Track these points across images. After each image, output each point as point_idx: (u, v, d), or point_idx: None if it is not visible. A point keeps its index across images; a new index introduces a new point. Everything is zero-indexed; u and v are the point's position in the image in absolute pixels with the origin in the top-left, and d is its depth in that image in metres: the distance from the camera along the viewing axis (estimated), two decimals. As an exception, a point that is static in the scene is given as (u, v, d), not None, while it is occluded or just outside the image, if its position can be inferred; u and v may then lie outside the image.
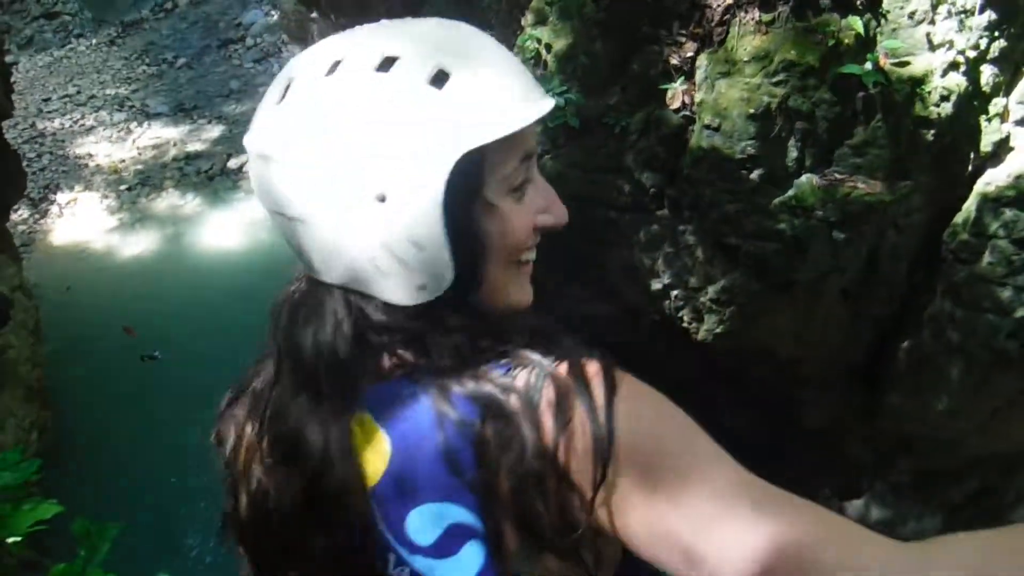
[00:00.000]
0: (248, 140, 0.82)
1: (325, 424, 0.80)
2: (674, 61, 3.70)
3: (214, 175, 8.11)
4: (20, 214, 7.61)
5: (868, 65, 3.27)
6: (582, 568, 0.78)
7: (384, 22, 0.82)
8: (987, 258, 3.46)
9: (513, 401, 0.76)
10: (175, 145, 8.45)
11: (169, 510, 5.29)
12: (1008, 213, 3.40)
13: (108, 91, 9.21)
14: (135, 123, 8.77)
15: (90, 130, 8.72)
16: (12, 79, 5.47)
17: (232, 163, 8.21)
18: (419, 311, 0.81)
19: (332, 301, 0.83)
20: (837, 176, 3.46)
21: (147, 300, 6.71)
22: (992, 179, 3.45)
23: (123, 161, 8.31)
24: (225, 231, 7.47)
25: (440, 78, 0.76)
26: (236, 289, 6.61)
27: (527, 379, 0.77)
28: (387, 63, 0.76)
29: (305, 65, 0.80)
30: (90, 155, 8.39)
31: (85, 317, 6.55)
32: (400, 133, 0.75)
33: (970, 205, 3.49)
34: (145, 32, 10.08)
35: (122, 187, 8.02)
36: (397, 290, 0.80)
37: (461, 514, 0.77)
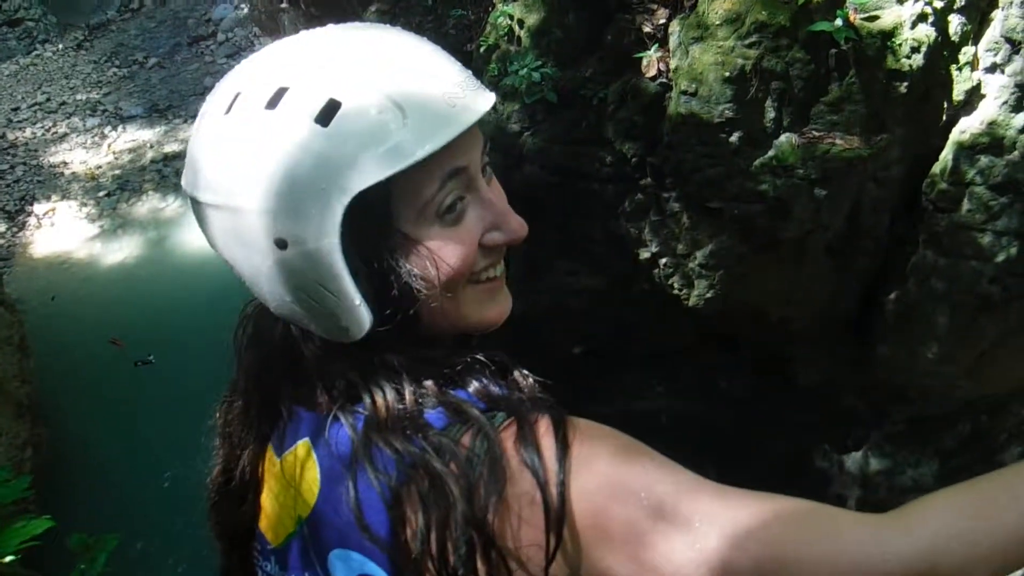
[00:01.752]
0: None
1: (252, 445, 0.88)
2: (647, 29, 3.71)
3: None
4: (-2, 228, 7.54)
5: (838, 21, 3.29)
6: None
7: (296, 36, 0.78)
8: (966, 205, 3.51)
9: (448, 465, 0.71)
10: (152, 147, 8.37)
11: (168, 518, 5.28)
12: (983, 160, 3.44)
13: (79, 96, 9.09)
14: (109, 127, 8.67)
15: (63, 137, 8.61)
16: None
17: (210, 162, 8.16)
18: (354, 349, 0.77)
19: (276, 326, 0.84)
20: (815, 134, 3.49)
21: (134, 307, 6.65)
22: (966, 127, 3.49)
23: (100, 167, 8.22)
24: (208, 231, 7.43)
25: (329, 111, 0.70)
26: (224, 290, 6.50)
27: (468, 442, 0.72)
28: (277, 97, 0.72)
29: (212, 100, 0.78)
30: (65, 163, 8.29)
31: (72, 328, 6.49)
32: (286, 177, 0.70)
33: (946, 154, 3.53)
34: (113, 34, 9.95)
35: (100, 193, 7.94)
36: (321, 330, 0.78)
37: (372, 568, 0.75)
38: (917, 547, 0.68)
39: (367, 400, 0.76)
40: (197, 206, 0.78)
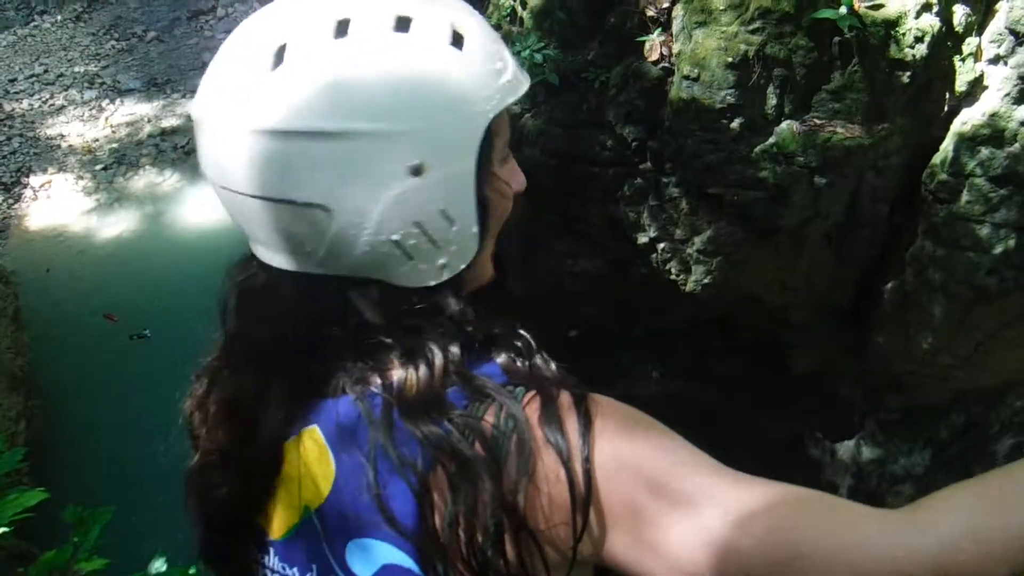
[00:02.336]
0: (224, 114, 0.70)
1: (275, 428, 0.78)
2: (650, 12, 3.68)
3: (191, 150, 8.00)
4: (-7, 199, 7.50)
5: (843, 9, 3.27)
6: None
7: None
8: (965, 196, 3.51)
9: (474, 447, 0.69)
10: (149, 121, 8.32)
11: (162, 490, 5.30)
12: (984, 151, 3.43)
13: (77, 69, 9.02)
14: (107, 100, 8.61)
15: (60, 110, 8.55)
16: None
17: (208, 137, 8.11)
18: (420, 299, 0.75)
19: (299, 295, 0.76)
20: (816, 121, 3.48)
21: (129, 281, 6.64)
22: (968, 118, 3.48)
23: (97, 140, 8.17)
24: (205, 207, 7.39)
25: (457, 39, 0.71)
26: (218, 264, 6.50)
27: (492, 419, 0.70)
28: (403, 23, 0.69)
29: (299, 27, 0.70)
30: (62, 135, 8.24)
31: (67, 302, 6.48)
32: (433, 97, 0.69)
33: (947, 145, 3.52)
34: (112, 6, 9.85)
35: (97, 167, 7.90)
36: (414, 273, 0.74)
37: (398, 556, 0.72)
38: (929, 543, 0.65)
39: (400, 374, 0.73)
40: (276, 143, 0.68)
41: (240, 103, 0.70)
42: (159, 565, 3.02)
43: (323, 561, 0.77)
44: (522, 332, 0.80)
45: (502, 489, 0.68)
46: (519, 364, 0.77)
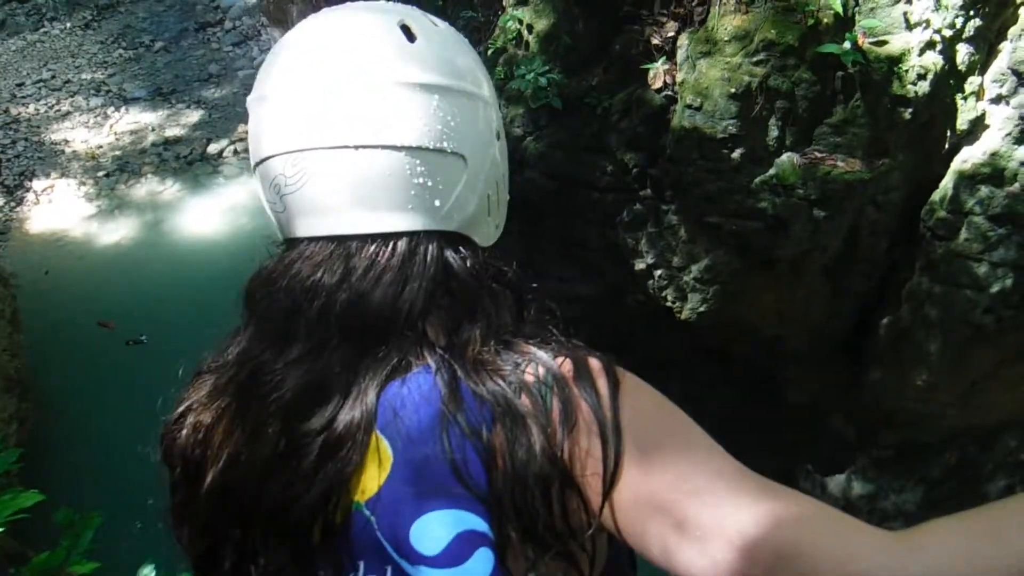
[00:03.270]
0: (369, 74, 0.75)
1: (357, 398, 0.75)
2: (655, 41, 3.70)
3: (193, 160, 8.03)
4: (-5, 202, 7.51)
5: (847, 44, 3.30)
6: (577, 571, 0.75)
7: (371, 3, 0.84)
8: (964, 234, 3.51)
9: (525, 402, 0.72)
10: (153, 130, 8.34)
11: (154, 497, 5.27)
12: (984, 190, 3.44)
13: (84, 75, 9.06)
14: (112, 108, 8.65)
15: (66, 115, 8.58)
16: (-15, 64, 5.37)
17: (211, 148, 8.12)
18: (487, 260, 0.82)
19: (407, 253, 0.76)
20: (817, 155, 3.49)
21: (127, 287, 6.63)
22: (968, 156, 3.49)
23: (100, 147, 8.20)
24: (205, 217, 7.40)
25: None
26: (218, 275, 6.54)
27: (533, 377, 0.73)
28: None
29: (405, 12, 0.81)
30: (66, 141, 8.27)
31: (64, 306, 6.47)
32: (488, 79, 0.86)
33: (947, 182, 3.53)
34: (121, 15, 9.92)
35: (100, 173, 7.91)
36: (489, 231, 0.85)
37: (473, 521, 0.72)
38: (924, 564, 0.65)
39: (462, 336, 0.76)
40: (435, 97, 0.76)
41: (392, 64, 0.76)
42: (148, 572, 3.00)
43: (375, 555, 0.75)
44: (550, 303, 0.85)
45: (551, 443, 0.71)
46: (551, 332, 0.81)
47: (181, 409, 0.90)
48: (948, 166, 3.55)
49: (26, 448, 4.61)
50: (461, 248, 0.80)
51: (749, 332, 4.06)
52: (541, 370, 0.73)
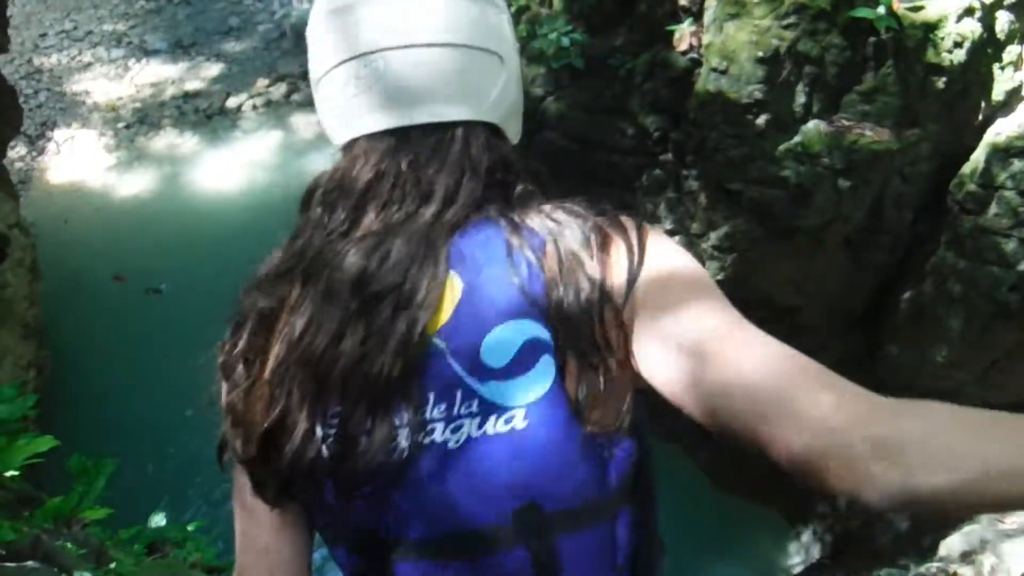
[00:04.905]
0: None
1: (426, 262, 0.84)
2: (682, 2, 3.61)
3: (212, 114, 8.00)
4: (17, 151, 7.52)
5: (881, 9, 3.19)
6: (619, 396, 0.83)
7: None
8: (993, 209, 3.42)
9: (569, 234, 0.83)
10: (173, 83, 8.32)
11: (167, 446, 5.32)
12: (1017, 164, 3.35)
13: (106, 27, 9.02)
14: (133, 60, 8.62)
15: (87, 67, 8.57)
16: (8, 13, 5.34)
17: (231, 102, 8.09)
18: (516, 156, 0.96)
19: (476, 140, 0.90)
20: (844, 123, 3.40)
21: (145, 238, 6.67)
22: (1002, 129, 3.39)
23: (120, 99, 8.19)
24: (223, 170, 7.40)
25: None
26: (234, 228, 6.55)
27: (577, 222, 0.84)
28: None
29: None
30: (87, 92, 8.26)
31: (82, 255, 6.53)
32: None
33: (978, 155, 3.43)
34: (142, -34, 9.85)
35: (119, 125, 7.92)
36: (517, 128, 0.98)
37: (537, 329, 0.81)
38: (891, 426, 0.67)
39: (511, 194, 0.90)
40: (490, 9, 0.93)
41: None
42: (159, 519, 3.04)
43: (444, 382, 0.82)
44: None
45: (592, 265, 0.81)
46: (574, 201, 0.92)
47: (237, 320, 0.94)
48: (980, 138, 3.44)
49: (43, 395, 4.68)
50: (502, 138, 0.93)
51: (765, 302, 4.00)
52: (578, 218, 0.84)
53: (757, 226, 3.66)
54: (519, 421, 0.82)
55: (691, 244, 3.91)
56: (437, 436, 0.82)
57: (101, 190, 7.30)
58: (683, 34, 3.60)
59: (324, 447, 0.83)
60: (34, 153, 7.71)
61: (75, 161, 7.59)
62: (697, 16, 3.60)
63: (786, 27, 3.29)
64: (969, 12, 3.24)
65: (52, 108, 8.14)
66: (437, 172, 0.88)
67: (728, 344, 0.75)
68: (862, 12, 3.19)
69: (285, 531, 0.91)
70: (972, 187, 3.44)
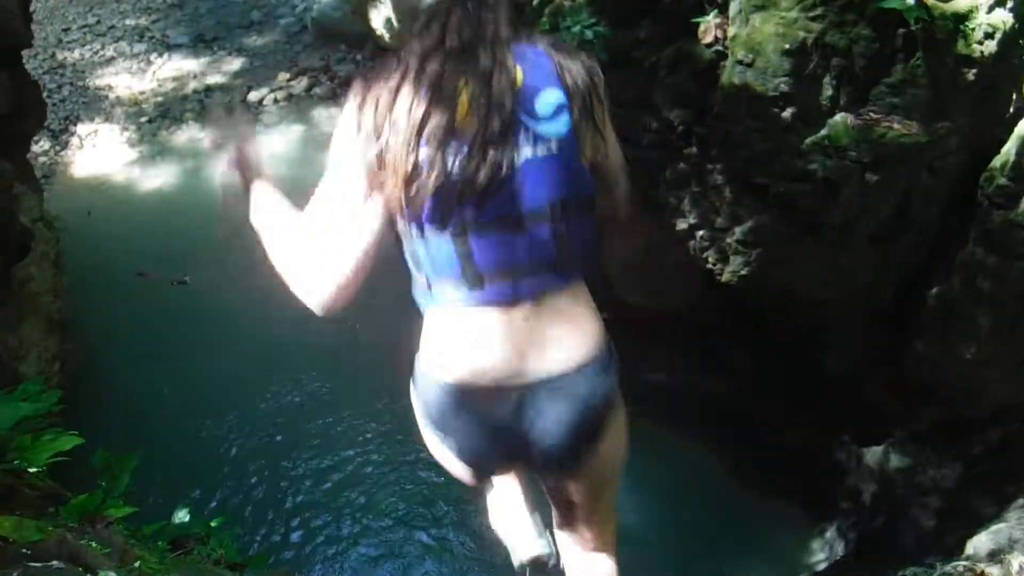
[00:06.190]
0: None
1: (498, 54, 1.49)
2: (708, -7, 3.57)
3: (234, 108, 8.04)
4: (41, 145, 7.59)
5: (910, 0, 3.14)
6: (595, 144, 1.56)
7: None
8: (1024, 204, 3.36)
9: (564, 51, 1.56)
10: (195, 77, 8.36)
11: (191, 440, 5.36)
12: (1048, 158, 3.29)
13: (128, 21, 9.08)
14: (155, 54, 8.66)
15: (110, 61, 8.63)
16: (32, 8, 5.37)
17: (252, 96, 8.12)
18: None
19: None
20: (872, 115, 3.35)
21: (168, 232, 6.72)
22: (1034, 122, 3.33)
23: (143, 93, 8.24)
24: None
25: None
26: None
27: (565, 46, 1.61)
28: None
29: None
30: (110, 86, 8.32)
31: (106, 248, 6.57)
32: None
33: (1009, 148, 3.37)
34: (164, -39, 9.89)
35: (142, 119, 7.97)
36: None
37: (561, 97, 1.49)
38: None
39: (518, 26, 1.56)
40: None
41: None
42: (182, 515, 3.05)
43: (517, 126, 1.46)
44: None
45: (578, 66, 1.55)
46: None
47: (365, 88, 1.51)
48: (1011, 131, 3.38)
49: (67, 388, 4.72)
50: None
51: (790, 297, 3.97)
52: (563, 51, 1.57)
53: (782, 221, 3.62)
54: (554, 148, 1.46)
55: (715, 239, 3.88)
56: (519, 153, 1.45)
57: (124, 184, 7.35)
58: (708, 26, 3.57)
59: (456, 171, 1.41)
60: (57, 147, 7.77)
61: (98, 155, 7.65)
62: (723, 8, 3.56)
63: (813, 19, 3.25)
64: (1001, 2, 3.18)
65: (75, 103, 8.20)
66: (488, 10, 1.47)
67: (612, 149, 1.63)
68: (891, 3, 3.14)
69: (381, 220, 1.47)
70: (1003, 181, 3.38)
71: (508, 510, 1.90)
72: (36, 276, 5.16)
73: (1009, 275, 3.44)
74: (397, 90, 1.39)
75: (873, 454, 4.45)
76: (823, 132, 3.39)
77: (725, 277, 3.90)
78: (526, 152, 1.40)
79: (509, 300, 1.42)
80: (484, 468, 1.62)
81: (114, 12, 9.19)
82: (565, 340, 1.47)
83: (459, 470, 1.59)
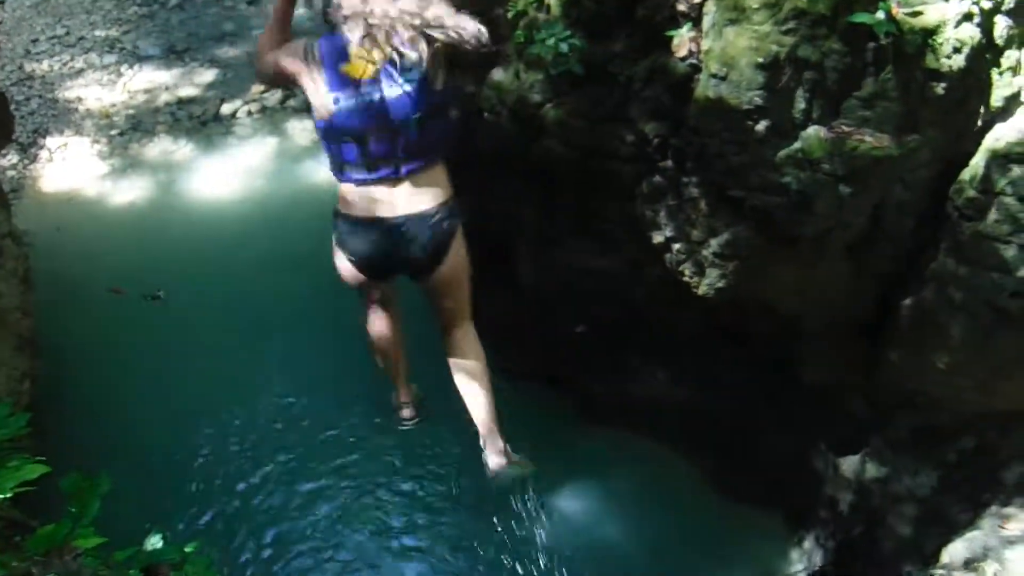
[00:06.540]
0: None
1: None
2: (681, 7, 3.58)
3: (207, 120, 7.96)
4: (9, 159, 7.46)
5: (880, 14, 3.17)
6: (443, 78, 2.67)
7: None
8: (993, 215, 3.41)
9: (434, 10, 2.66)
10: (167, 89, 8.27)
11: (165, 461, 5.26)
12: (1016, 170, 3.33)
13: (98, 32, 8.97)
14: (126, 66, 8.57)
15: (79, 73, 8.51)
16: (-2, 19, 5.29)
17: (225, 108, 8.05)
18: None
19: None
20: (845, 129, 3.39)
21: (140, 247, 6.63)
22: (1001, 135, 3.38)
23: (114, 105, 8.14)
24: (218, 177, 7.35)
25: None
26: (230, 237, 6.52)
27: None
28: None
29: None
30: (80, 99, 8.21)
31: (77, 264, 6.45)
32: None
33: (978, 161, 3.42)
34: (135, -29, 9.79)
35: (113, 132, 7.87)
36: None
37: (416, 59, 2.55)
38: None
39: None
40: None
41: None
42: (155, 541, 2.94)
43: (389, 72, 2.49)
44: None
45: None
46: None
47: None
48: (980, 144, 3.43)
49: (36, 408, 4.61)
50: None
51: (767, 309, 3.99)
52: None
53: (758, 233, 3.65)
54: (409, 88, 2.40)
55: (691, 252, 3.89)
56: (387, 93, 2.39)
57: (95, 198, 7.25)
58: (682, 40, 3.58)
59: (343, 103, 2.49)
60: (26, 161, 7.65)
61: (68, 169, 7.54)
62: (696, 22, 3.58)
63: (786, 32, 3.28)
64: (968, 17, 3.23)
65: (44, 115, 8.09)
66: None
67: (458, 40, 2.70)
68: (861, 17, 3.17)
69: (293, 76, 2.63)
70: (971, 193, 3.43)
71: (386, 364, 3.07)
72: (4, 292, 5.06)
73: (980, 285, 3.49)
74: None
75: (850, 463, 4.48)
76: (797, 145, 3.41)
77: (702, 290, 3.91)
78: (387, 93, 2.43)
79: (392, 177, 2.50)
80: (372, 270, 2.64)
81: (83, 23, 9.08)
82: (425, 197, 2.52)
83: (352, 273, 2.68)
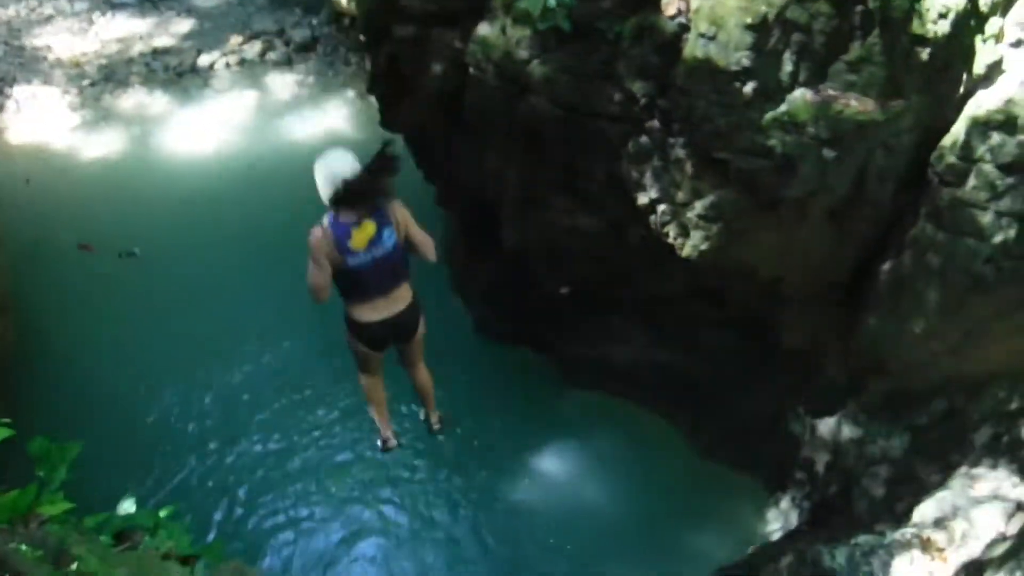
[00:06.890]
0: None
1: None
2: (671, -35, 3.55)
3: (183, 72, 7.78)
4: (-26, 109, 7.27)
5: (869, -23, 3.17)
6: (404, 241, 3.46)
7: None
8: (971, 182, 3.45)
9: (398, 205, 3.45)
10: (141, 39, 8.06)
11: (137, 423, 5.16)
12: (995, 137, 3.37)
13: (67, -22, 8.70)
14: (98, 13, 8.32)
15: (48, 19, 8.26)
16: (-37, -40, 5.09)
17: (202, 60, 7.86)
18: None
19: None
20: (831, 92, 3.39)
21: (114, 202, 6.48)
22: (982, 102, 3.41)
23: (85, 54, 7.92)
24: (195, 131, 7.20)
25: None
26: (206, 191, 6.40)
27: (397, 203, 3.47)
28: None
29: None
30: (48, 47, 7.97)
31: (47, 221, 6.29)
32: None
33: (959, 128, 3.45)
34: (106, -85, 9.48)
35: (84, 82, 7.66)
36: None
37: (391, 228, 3.35)
38: None
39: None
40: None
41: None
42: (128, 506, 2.85)
43: (381, 238, 3.32)
44: None
45: (400, 209, 3.53)
46: None
47: None
48: (961, 111, 3.46)
49: (4, 370, 4.52)
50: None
51: (748, 272, 4.02)
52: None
53: (742, 196, 3.66)
54: (389, 248, 3.27)
55: (676, 214, 3.90)
56: (376, 253, 3.27)
57: (66, 151, 7.07)
58: (671, -1, 3.55)
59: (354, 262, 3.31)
60: (-8, 111, 7.44)
61: (37, 120, 7.34)
62: (686, -19, 3.54)
63: (775, -6, 3.26)
64: (955, -17, 3.23)
65: (11, 63, 7.85)
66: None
67: (415, 232, 3.40)
68: (851, -20, 3.17)
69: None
70: (952, 159, 3.46)
71: (379, 409, 3.96)
72: (-27, 247, 4.95)
73: (956, 252, 3.54)
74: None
75: (826, 425, 4.57)
76: (783, 108, 3.42)
77: (686, 252, 3.93)
78: (378, 253, 3.23)
79: (385, 294, 3.38)
80: (378, 344, 3.56)
81: (52, -32, 8.78)
82: (401, 302, 3.42)
83: (366, 351, 3.61)
